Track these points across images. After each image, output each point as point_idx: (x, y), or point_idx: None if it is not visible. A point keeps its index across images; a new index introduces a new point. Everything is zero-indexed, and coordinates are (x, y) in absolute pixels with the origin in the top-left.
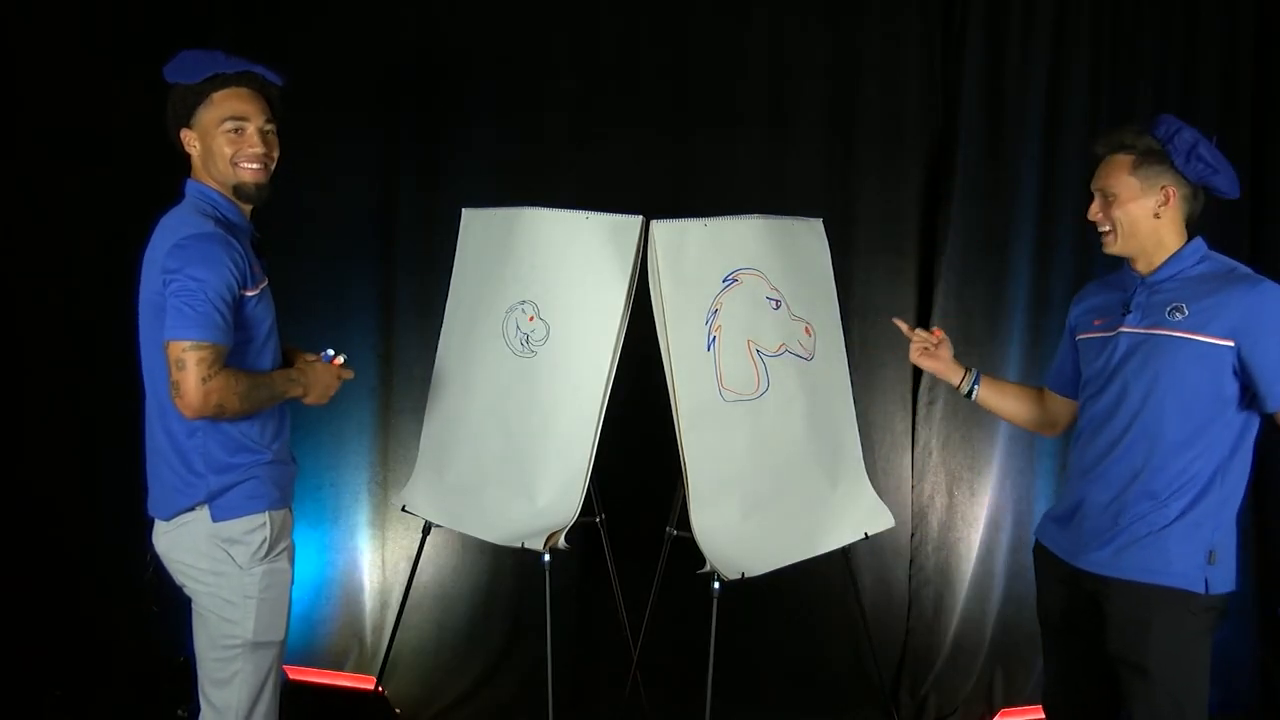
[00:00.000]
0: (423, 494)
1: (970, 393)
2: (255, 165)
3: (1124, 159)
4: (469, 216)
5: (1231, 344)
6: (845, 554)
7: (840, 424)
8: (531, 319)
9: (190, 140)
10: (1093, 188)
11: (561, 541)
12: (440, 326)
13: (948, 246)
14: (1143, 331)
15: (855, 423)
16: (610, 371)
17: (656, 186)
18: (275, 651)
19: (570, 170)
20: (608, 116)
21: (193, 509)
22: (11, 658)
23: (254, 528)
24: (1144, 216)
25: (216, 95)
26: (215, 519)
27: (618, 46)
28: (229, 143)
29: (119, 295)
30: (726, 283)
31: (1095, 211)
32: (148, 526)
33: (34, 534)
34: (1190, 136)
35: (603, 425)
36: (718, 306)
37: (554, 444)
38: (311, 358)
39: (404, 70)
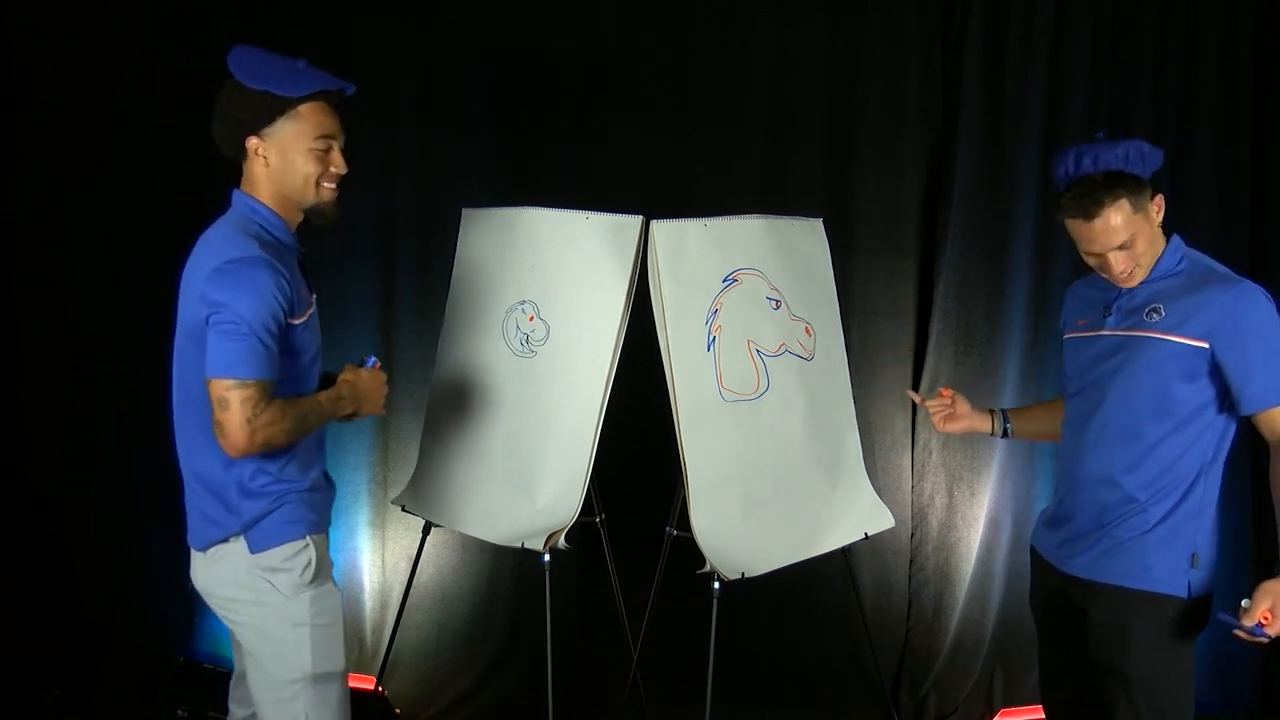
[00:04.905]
0: (423, 494)
1: (1005, 432)
2: (334, 185)
3: (1122, 204)
4: (469, 216)
5: (1206, 345)
6: (845, 554)
7: (840, 424)
8: (531, 319)
9: (260, 150)
10: (1103, 250)
11: (561, 541)
12: (440, 326)
13: (948, 246)
14: (1122, 334)
15: (855, 423)
16: (610, 371)
17: (656, 186)
18: (339, 684)
19: (570, 170)
20: (608, 116)
21: (227, 540)
22: (11, 658)
23: (295, 553)
24: (1155, 237)
25: (303, 108)
26: (253, 550)
27: (618, 46)
28: (316, 161)
29: (119, 296)
30: (726, 283)
31: (1123, 266)
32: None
33: (34, 534)
34: (1128, 147)
35: (603, 425)
36: (718, 306)
37: (554, 444)
38: (352, 370)
39: (403, 69)
